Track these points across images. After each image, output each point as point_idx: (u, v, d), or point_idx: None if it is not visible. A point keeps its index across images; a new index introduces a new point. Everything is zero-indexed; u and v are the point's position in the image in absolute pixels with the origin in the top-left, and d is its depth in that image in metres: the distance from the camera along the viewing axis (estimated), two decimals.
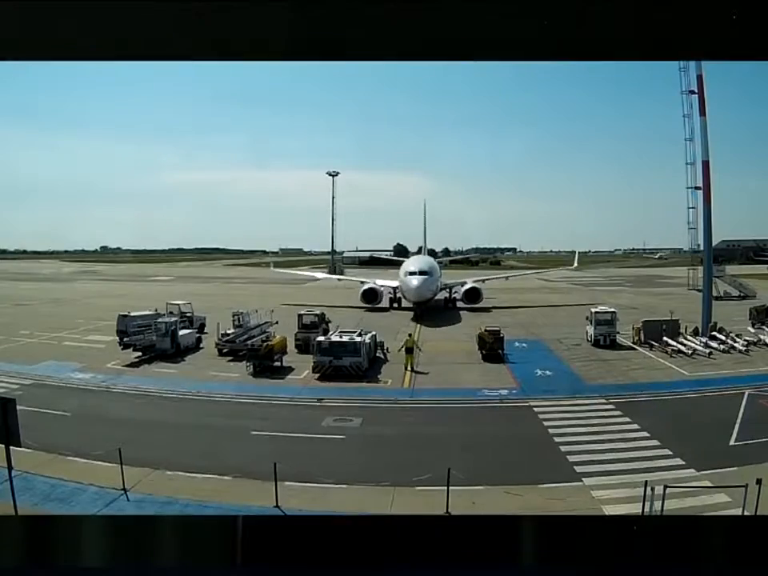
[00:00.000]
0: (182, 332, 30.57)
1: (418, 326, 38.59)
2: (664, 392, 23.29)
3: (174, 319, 30.85)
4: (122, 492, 14.08)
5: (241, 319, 32.31)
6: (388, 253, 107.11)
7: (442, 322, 40.71)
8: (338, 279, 65.13)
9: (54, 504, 13.54)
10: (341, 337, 26.73)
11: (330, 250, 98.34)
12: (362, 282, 51.38)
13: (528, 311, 47.52)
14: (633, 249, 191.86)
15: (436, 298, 47.84)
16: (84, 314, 44.93)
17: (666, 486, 11.86)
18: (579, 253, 75.63)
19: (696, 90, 32.70)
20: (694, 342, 30.35)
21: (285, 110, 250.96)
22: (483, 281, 52.98)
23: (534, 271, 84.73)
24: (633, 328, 30.80)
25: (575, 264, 65.73)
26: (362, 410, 20.92)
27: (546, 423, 19.34)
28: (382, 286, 49.67)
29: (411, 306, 45.18)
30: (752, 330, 33.13)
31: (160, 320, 30.38)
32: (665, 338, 30.40)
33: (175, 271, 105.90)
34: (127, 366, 27.61)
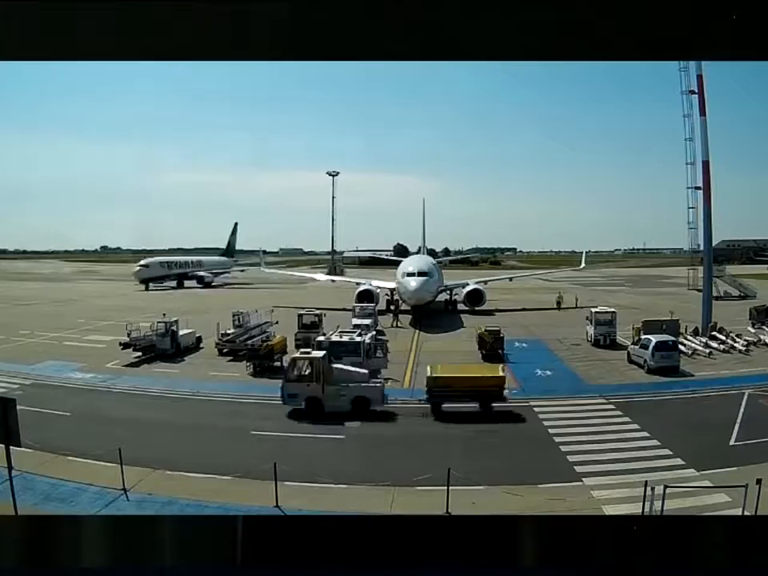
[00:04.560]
0: (182, 332, 30.57)
1: (417, 332, 37.11)
2: (664, 392, 23.30)
3: (174, 319, 30.81)
4: (122, 492, 14.09)
5: (241, 319, 32.29)
6: (388, 253, 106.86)
7: (443, 328, 38.97)
8: (332, 281, 63.10)
9: (54, 504, 13.55)
10: (341, 337, 26.69)
11: (329, 249, 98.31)
12: (358, 284, 48.70)
13: (529, 312, 47.28)
14: (633, 249, 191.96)
15: (436, 300, 46.15)
16: (84, 314, 44.94)
17: (665, 486, 11.86)
18: (579, 253, 75.13)
19: (696, 90, 32.73)
20: (694, 342, 30.35)
21: (285, 111, 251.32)
22: (486, 282, 51.09)
23: (539, 272, 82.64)
24: (633, 328, 30.78)
25: (582, 264, 64.22)
26: None
27: (546, 423, 19.34)
28: (379, 287, 47.35)
29: (409, 308, 42.93)
30: (752, 330, 33.13)
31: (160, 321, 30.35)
32: None
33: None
34: (127, 365, 27.62)
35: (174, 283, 76.73)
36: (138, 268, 74.71)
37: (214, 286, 78.42)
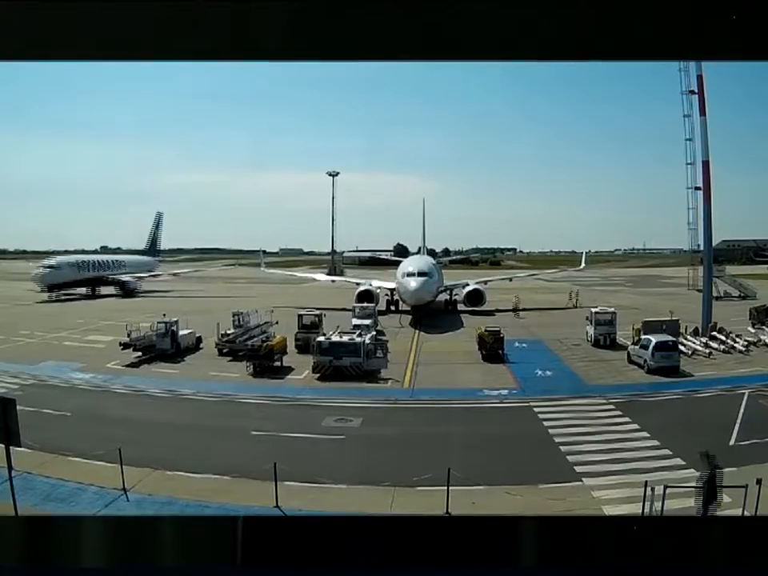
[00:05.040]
0: (182, 332, 30.58)
1: (417, 332, 37.17)
2: (664, 392, 23.31)
3: (174, 319, 30.78)
4: (122, 492, 14.09)
5: (241, 319, 32.31)
6: (388, 253, 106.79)
7: (443, 328, 38.99)
8: (332, 281, 62.63)
9: (54, 504, 13.55)
10: (341, 337, 26.72)
11: (329, 250, 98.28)
12: (358, 284, 48.58)
13: (529, 312, 47.19)
14: (633, 249, 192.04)
15: (436, 300, 46.12)
16: (84, 314, 44.96)
17: (666, 486, 11.87)
18: (579, 253, 74.80)
19: (696, 90, 32.75)
20: (694, 342, 30.35)
21: (285, 111, 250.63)
22: (486, 282, 51.15)
23: (539, 272, 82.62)
24: (633, 328, 30.79)
25: (582, 265, 63.86)
26: (361, 410, 20.92)
27: (546, 423, 19.34)
28: (379, 287, 47.36)
29: (409, 308, 43.02)
30: (752, 330, 33.12)
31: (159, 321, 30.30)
32: None
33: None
34: (127, 366, 27.62)
35: (90, 290, 62.81)
36: (45, 270, 59.28)
37: (141, 293, 64.39)
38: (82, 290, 63.14)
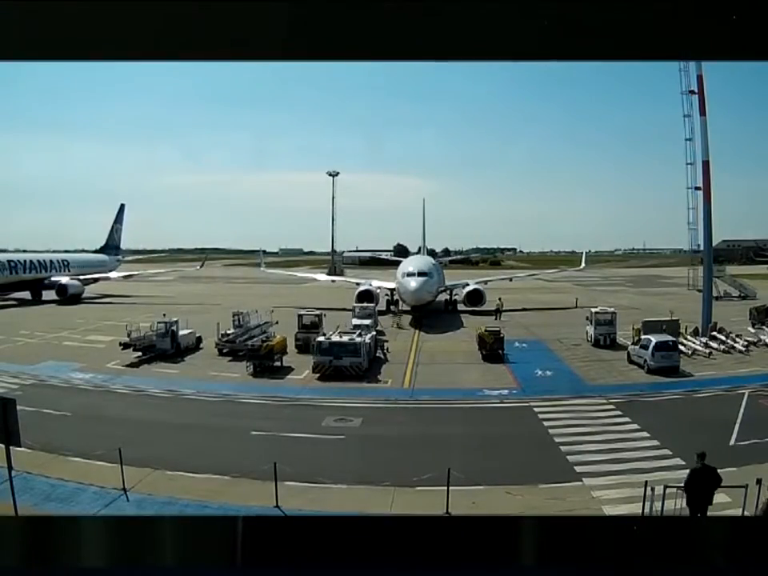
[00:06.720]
0: (182, 332, 30.57)
1: (417, 332, 37.09)
2: (664, 392, 23.30)
3: (174, 319, 30.75)
4: (122, 492, 14.09)
5: (241, 319, 32.30)
6: (388, 253, 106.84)
7: (443, 328, 38.88)
8: (332, 281, 62.57)
9: (54, 504, 13.54)
10: (341, 337, 26.72)
11: (329, 250, 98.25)
12: (358, 284, 48.32)
13: (529, 312, 47.19)
14: (633, 249, 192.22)
15: (436, 300, 46.11)
16: (84, 314, 44.94)
17: (665, 486, 11.86)
18: (579, 253, 74.68)
19: (696, 90, 32.75)
20: (693, 342, 30.34)
21: (285, 111, 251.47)
22: (486, 282, 51.06)
23: (538, 271, 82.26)
24: (633, 328, 30.79)
25: (582, 265, 63.60)
26: (361, 410, 20.92)
27: (546, 423, 19.34)
28: (379, 287, 47.23)
29: (409, 308, 42.79)
30: (752, 330, 33.11)
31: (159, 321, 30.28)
32: None
33: (176, 272, 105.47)
34: (127, 366, 27.61)
35: (33, 294, 53.90)
36: None
37: (89, 299, 55.89)
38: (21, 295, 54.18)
